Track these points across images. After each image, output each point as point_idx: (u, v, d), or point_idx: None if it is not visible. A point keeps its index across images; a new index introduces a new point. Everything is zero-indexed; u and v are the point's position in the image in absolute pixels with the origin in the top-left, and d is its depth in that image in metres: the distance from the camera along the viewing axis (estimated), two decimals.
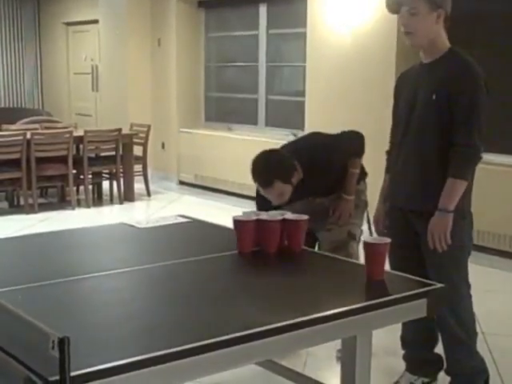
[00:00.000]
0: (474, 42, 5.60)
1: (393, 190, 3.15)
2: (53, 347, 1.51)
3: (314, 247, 3.61)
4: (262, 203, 3.44)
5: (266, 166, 3.31)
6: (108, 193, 8.26)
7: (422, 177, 2.98)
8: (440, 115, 2.89)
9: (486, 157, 3.03)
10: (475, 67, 2.89)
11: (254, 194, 3.51)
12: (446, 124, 2.88)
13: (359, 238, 3.65)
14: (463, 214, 2.96)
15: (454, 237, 2.90)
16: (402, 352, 3.34)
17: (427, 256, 2.99)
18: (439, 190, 2.88)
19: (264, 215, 2.71)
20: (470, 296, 3.08)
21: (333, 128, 3.75)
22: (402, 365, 3.33)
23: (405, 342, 3.31)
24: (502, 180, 5.67)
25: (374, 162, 3.68)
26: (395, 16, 3.00)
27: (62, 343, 1.50)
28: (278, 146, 3.66)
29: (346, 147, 3.58)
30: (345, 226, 3.62)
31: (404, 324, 3.20)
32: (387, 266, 2.93)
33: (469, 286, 3.08)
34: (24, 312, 1.68)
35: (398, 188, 3.11)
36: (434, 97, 2.90)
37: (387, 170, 3.24)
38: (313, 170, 3.41)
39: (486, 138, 2.91)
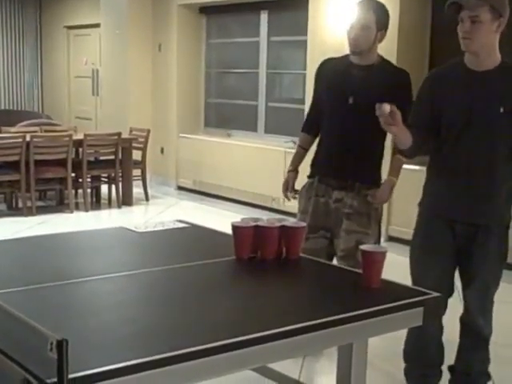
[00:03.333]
0: None
1: (444, 201, 3.04)
2: (51, 349, 1.52)
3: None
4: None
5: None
6: (106, 197, 8.27)
7: (488, 190, 2.94)
8: (510, 128, 2.87)
9: None
10: None
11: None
12: None
13: None
14: (509, 224, 3.02)
15: (504, 250, 2.97)
16: (404, 365, 3.29)
17: (476, 272, 3.00)
18: (504, 203, 2.95)
19: (262, 221, 2.72)
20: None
21: None
22: (398, 373, 3.34)
23: (409, 357, 3.26)
24: None
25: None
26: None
27: (61, 345, 1.51)
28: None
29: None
30: (353, 234, 3.52)
31: (410, 339, 3.20)
32: (408, 277, 2.97)
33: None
34: (22, 314, 1.69)
35: (455, 200, 3.00)
36: (501, 110, 2.84)
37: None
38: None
39: None
